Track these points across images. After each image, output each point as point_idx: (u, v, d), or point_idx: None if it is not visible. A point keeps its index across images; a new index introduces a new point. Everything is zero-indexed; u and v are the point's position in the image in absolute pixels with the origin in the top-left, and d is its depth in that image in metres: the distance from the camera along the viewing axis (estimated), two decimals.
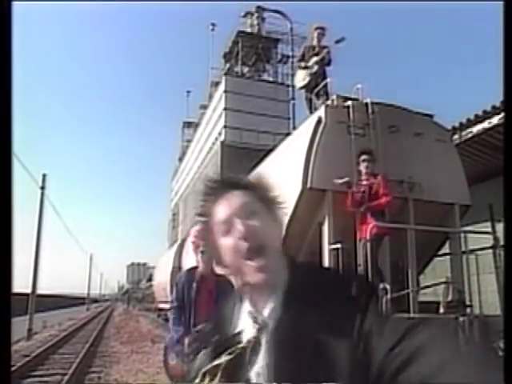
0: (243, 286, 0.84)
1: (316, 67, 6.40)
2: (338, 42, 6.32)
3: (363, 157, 4.59)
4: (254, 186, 0.88)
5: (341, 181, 4.46)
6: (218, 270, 0.89)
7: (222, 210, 0.84)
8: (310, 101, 6.40)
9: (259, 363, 0.76)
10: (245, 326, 0.82)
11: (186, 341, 2.52)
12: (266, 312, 0.80)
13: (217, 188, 0.88)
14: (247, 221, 0.81)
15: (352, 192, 4.50)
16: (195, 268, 3.15)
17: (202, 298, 3.03)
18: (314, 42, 6.64)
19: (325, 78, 6.37)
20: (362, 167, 4.58)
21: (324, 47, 6.53)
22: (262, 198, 0.86)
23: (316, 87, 6.25)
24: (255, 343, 0.78)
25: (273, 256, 0.80)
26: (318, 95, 6.20)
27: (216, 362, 0.79)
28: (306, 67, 6.52)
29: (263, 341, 0.77)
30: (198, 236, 3.45)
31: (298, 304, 0.75)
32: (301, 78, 6.61)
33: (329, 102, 5.17)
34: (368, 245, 4.23)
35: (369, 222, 4.34)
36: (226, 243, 0.81)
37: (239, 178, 0.91)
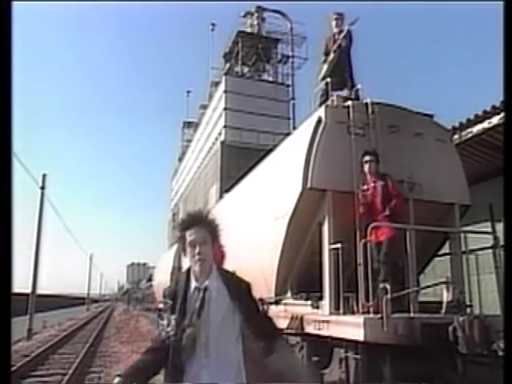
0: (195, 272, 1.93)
1: (332, 55, 6.03)
2: (352, 24, 6.02)
3: (366, 157, 4.59)
4: (209, 224, 1.96)
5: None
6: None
7: (191, 238, 1.91)
8: (326, 93, 5.78)
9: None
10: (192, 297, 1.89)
11: None
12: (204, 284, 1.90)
13: (188, 223, 1.95)
14: (201, 246, 1.90)
15: (363, 197, 4.50)
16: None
17: None
18: (334, 30, 6.15)
19: (350, 65, 5.99)
20: (366, 168, 4.59)
21: (340, 32, 6.06)
22: (211, 233, 1.94)
23: (332, 76, 5.83)
24: (202, 300, 1.84)
25: (208, 262, 1.92)
26: (332, 85, 5.71)
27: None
28: (325, 61, 6.13)
29: (206, 298, 1.85)
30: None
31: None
32: (322, 71, 6.15)
33: (329, 102, 5.16)
34: (385, 247, 4.31)
35: (384, 224, 4.35)
36: (191, 254, 1.91)
37: (200, 216, 1.98)
